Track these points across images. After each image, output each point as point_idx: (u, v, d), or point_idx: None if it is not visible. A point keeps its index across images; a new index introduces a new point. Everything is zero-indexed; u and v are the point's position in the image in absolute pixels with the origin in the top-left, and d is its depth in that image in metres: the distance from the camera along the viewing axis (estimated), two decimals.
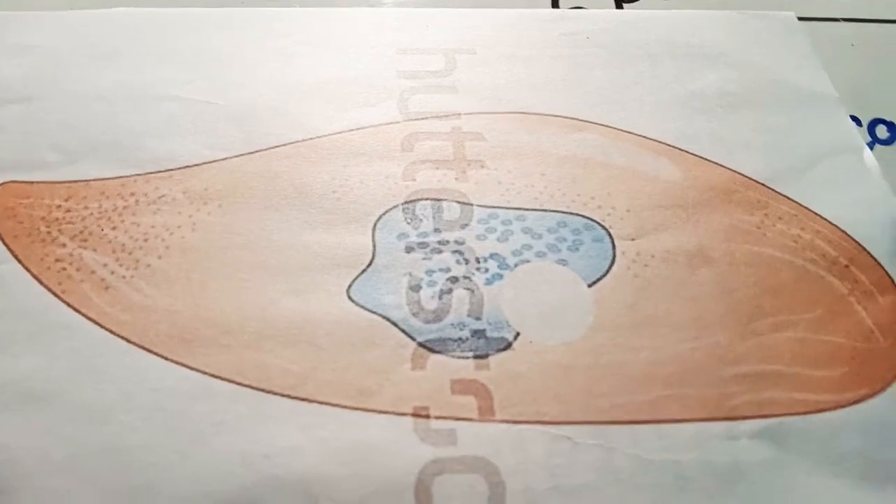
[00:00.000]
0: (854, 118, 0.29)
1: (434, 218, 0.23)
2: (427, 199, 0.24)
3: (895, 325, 0.22)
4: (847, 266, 0.23)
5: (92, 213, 0.23)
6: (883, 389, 0.20)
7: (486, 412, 0.19)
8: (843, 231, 0.24)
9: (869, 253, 0.24)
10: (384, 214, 0.23)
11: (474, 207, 0.24)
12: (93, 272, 0.22)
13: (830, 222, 0.25)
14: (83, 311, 0.21)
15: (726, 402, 0.20)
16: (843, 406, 0.20)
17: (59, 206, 0.23)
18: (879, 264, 0.23)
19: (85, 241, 0.22)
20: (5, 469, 0.18)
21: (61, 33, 0.28)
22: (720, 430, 0.19)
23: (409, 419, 0.19)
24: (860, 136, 0.28)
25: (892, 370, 0.21)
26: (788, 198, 0.25)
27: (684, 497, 0.18)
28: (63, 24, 0.28)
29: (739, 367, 0.21)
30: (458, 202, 0.24)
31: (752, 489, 0.18)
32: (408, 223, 0.23)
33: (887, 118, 0.30)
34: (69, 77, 0.26)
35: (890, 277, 0.23)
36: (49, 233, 0.22)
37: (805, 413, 0.20)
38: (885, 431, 0.19)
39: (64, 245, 0.22)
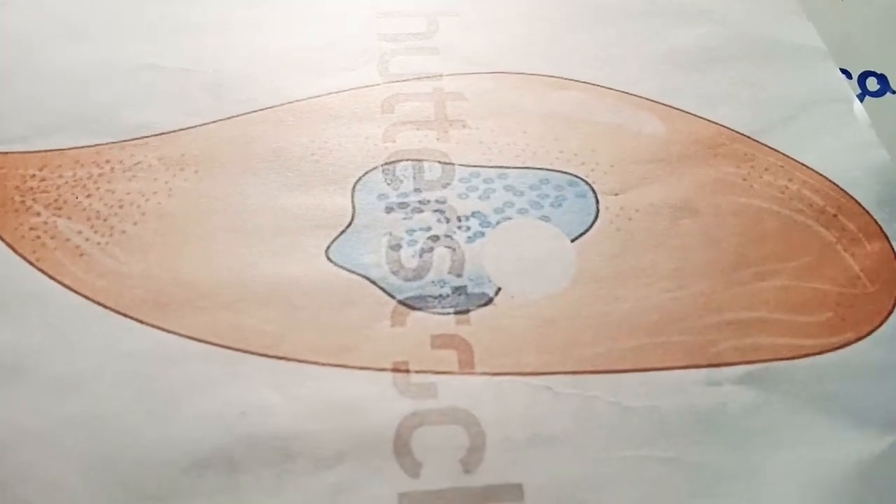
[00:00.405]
0: (844, 71, 0.28)
1: (415, 178, 0.23)
2: (407, 159, 0.24)
3: (882, 270, 0.21)
4: (835, 215, 0.23)
5: (66, 182, 0.23)
6: (869, 333, 0.20)
7: (467, 365, 0.19)
8: (830, 181, 0.24)
9: (856, 201, 0.23)
10: (364, 176, 0.23)
11: (455, 167, 0.24)
12: (67, 240, 0.21)
13: (818, 172, 0.24)
14: (58, 278, 0.21)
15: (710, 348, 0.20)
16: (827, 350, 0.20)
17: (34, 176, 0.23)
18: (866, 211, 0.23)
19: (59, 209, 0.22)
20: None
21: (23, 10, 0.27)
22: (702, 377, 0.19)
23: (389, 374, 0.19)
24: (849, 88, 0.27)
25: (879, 314, 0.20)
26: (775, 149, 0.25)
27: (666, 441, 0.18)
28: (27, 1, 0.28)
29: (723, 314, 0.20)
30: (440, 162, 0.24)
31: (735, 431, 0.18)
32: (388, 184, 0.23)
33: (877, 70, 0.29)
34: (36, 53, 0.26)
35: (877, 224, 0.23)
36: (23, 202, 0.22)
37: (789, 358, 0.19)
38: (871, 374, 0.19)
39: (38, 214, 0.22)
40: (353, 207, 0.22)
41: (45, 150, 0.23)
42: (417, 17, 0.28)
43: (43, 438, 0.18)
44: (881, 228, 0.23)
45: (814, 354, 0.19)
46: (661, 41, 0.28)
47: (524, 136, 0.25)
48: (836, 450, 0.18)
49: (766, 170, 0.24)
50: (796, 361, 0.19)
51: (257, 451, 0.18)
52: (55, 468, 0.17)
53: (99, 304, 0.20)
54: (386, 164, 0.24)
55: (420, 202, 0.23)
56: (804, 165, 0.24)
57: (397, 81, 0.26)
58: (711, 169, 0.24)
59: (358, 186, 0.23)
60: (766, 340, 0.20)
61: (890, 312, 0.20)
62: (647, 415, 0.18)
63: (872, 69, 0.29)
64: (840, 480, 0.17)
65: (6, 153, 0.23)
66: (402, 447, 0.18)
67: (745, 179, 0.24)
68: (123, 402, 0.18)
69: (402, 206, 0.23)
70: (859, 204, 0.23)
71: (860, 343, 0.20)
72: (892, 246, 0.22)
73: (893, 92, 0.28)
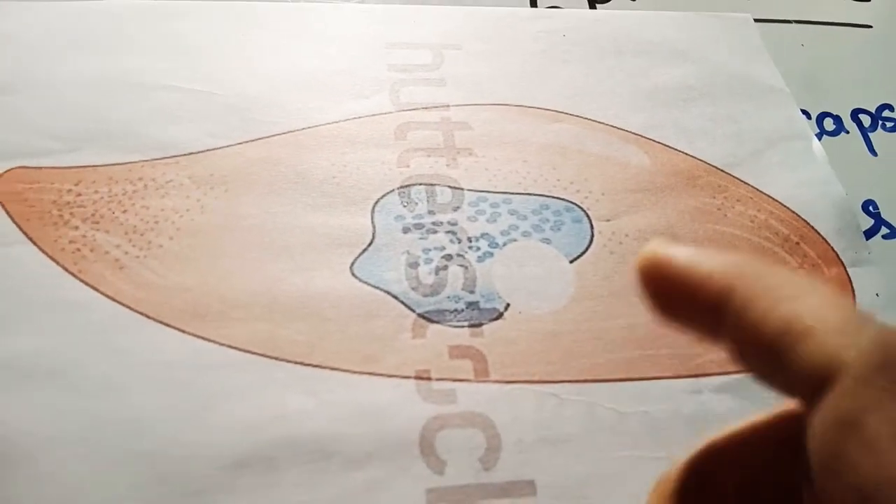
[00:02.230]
0: (804, 111, 0.31)
1: (428, 201, 0.25)
2: (421, 183, 0.26)
3: (839, 292, 0.25)
4: (798, 243, 0.26)
5: (102, 197, 0.24)
6: None
7: (482, 374, 0.21)
8: (793, 211, 0.27)
9: (816, 230, 0.26)
10: (381, 198, 0.25)
11: (465, 192, 0.26)
12: (106, 252, 0.23)
13: (782, 203, 0.27)
14: (99, 288, 0.22)
15: (692, 361, 0.22)
16: None
17: (70, 191, 0.24)
18: (825, 240, 0.26)
19: (97, 223, 0.23)
20: (22, 440, 0.19)
21: (40, 24, 0.28)
22: (687, 386, 0.22)
23: (412, 381, 0.21)
24: (809, 127, 0.30)
25: None
26: (745, 182, 0.28)
27: (656, 443, 0.20)
28: (42, 15, 0.29)
29: None
30: (450, 187, 0.26)
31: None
32: (404, 206, 0.25)
33: (834, 112, 0.32)
34: (57, 68, 0.27)
35: (834, 251, 0.26)
36: (61, 216, 0.24)
37: None
38: None
39: (76, 227, 0.23)
40: (374, 227, 0.24)
41: (79, 167, 0.25)
42: (423, 48, 0.30)
43: (86, 437, 0.19)
44: (838, 256, 0.26)
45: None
46: (646, 79, 0.31)
47: (525, 165, 0.27)
48: None
49: (737, 200, 0.27)
50: None
51: (294, 452, 0.19)
52: (98, 465, 0.19)
53: (140, 313, 0.22)
54: (401, 187, 0.26)
55: (434, 223, 0.25)
56: (770, 197, 0.28)
57: (408, 110, 0.28)
58: (691, 199, 0.27)
59: (377, 208, 0.25)
60: None
61: None
62: (640, 419, 0.21)
63: (829, 111, 0.32)
64: None
65: (39, 168, 0.25)
66: (427, 447, 0.20)
67: (719, 209, 0.27)
68: (164, 405, 0.20)
69: (418, 226, 0.25)
70: (819, 233, 0.26)
71: None
72: (847, 272, 0.25)
73: (847, 132, 0.32)
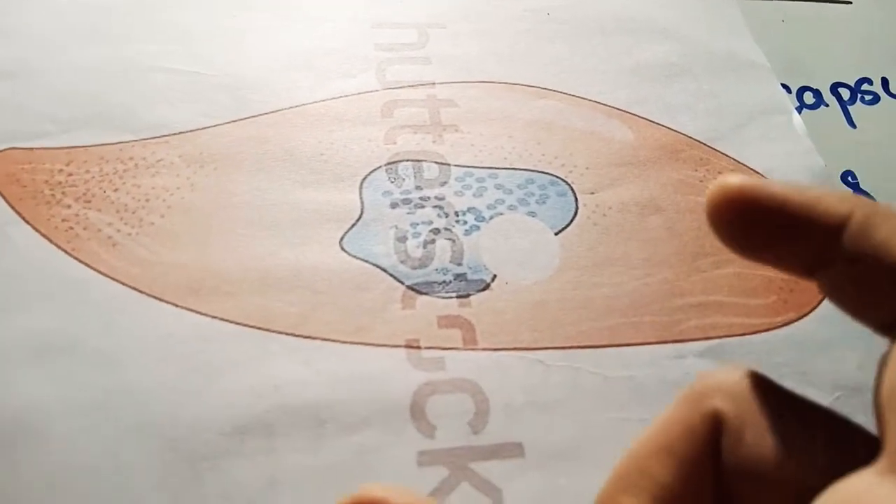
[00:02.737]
0: (784, 86, 0.32)
1: (415, 177, 0.26)
2: (408, 160, 0.26)
3: None
4: None
5: (94, 177, 0.24)
6: (808, 314, 0.24)
7: (470, 342, 0.22)
8: None
9: None
10: (369, 174, 0.26)
11: (451, 167, 0.26)
12: (99, 230, 0.23)
13: (763, 175, 0.28)
14: (94, 266, 0.22)
15: (675, 327, 0.23)
16: (775, 328, 0.23)
17: (61, 171, 0.24)
18: None
19: (89, 202, 0.24)
20: (32, 415, 0.20)
21: (44, 14, 0.29)
22: (670, 351, 0.22)
23: (403, 350, 0.22)
24: (789, 101, 0.31)
25: (815, 298, 0.24)
26: (727, 155, 0.28)
27: (641, 406, 0.21)
28: (46, 5, 0.29)
29: (686, 298, 0.24)
30: (437, 162, 0.26)
31: None
32: (391, 182, 0.26)
33: (813, 86, 0.33)
34: (55, 54, 0.27)
35: None
36: (53, 195, 0.24)
37: (743, 335, 0.23)
38: (812, 346, 0.23)
39: (69, 206, 0.24)
40: (362, 203, 0.25)
41: (70, 147, 0.25)
42: (409, 28, 0.31)
43: (92, 407, 0.20)
44: None
45: (763, 331, 0.23)
46: (629, 56, 0.31)
47: (510, 140, 0.28)
48: None
49: (719, 173, 0.28)
50: (749, 337, 0.23)
51: (292, 418, 0.20)
52: (109, 434, 0.19)
53: (135, 289, 0.22)
54: (389, 163, 0.26)
55: (421, 198, 0.25)
56: (752, 169, 0.28)
57: (394, 88, 0.28)
58: (673, 172, 0.28)
59: (364, 184, 0.25)
60: (723, 320, 0.23)
61: (823, 297, 0.24)
62: (625, 383, 0.22)
63: (809, 84, 0.33)
64: None
65: (31, 149, 0.25)
66: (417, 412, 0.20)
67: (701, 181, 0.27)
68: (167, 376, 0.20)
69: (406, 202, 0.25)
70: None
71: (801, 322, 0.23)
72: None
73: (827, 105, 0.32)
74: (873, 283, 0.10)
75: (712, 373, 0.11)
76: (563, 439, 0.20)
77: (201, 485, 0.19)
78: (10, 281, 0.22)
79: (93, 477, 0.19)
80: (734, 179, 0.11)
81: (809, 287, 0.24)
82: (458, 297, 0.23)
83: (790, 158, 0.28)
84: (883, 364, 0.10)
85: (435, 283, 0.23)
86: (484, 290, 0.23)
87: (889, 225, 0.10)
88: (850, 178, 0.30)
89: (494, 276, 0.24)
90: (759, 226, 0.11)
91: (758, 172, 0.28)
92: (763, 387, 0.11)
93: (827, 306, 0.24)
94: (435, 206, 0.25)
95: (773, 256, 0.11)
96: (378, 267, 0.23)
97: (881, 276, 0.10)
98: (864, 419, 0.11)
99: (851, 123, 0.32)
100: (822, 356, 0.23)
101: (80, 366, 0.21)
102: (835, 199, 0.10)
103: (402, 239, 0.24)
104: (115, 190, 0.24)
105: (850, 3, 0.37)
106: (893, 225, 0.10)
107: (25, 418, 0.20)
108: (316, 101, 0.27)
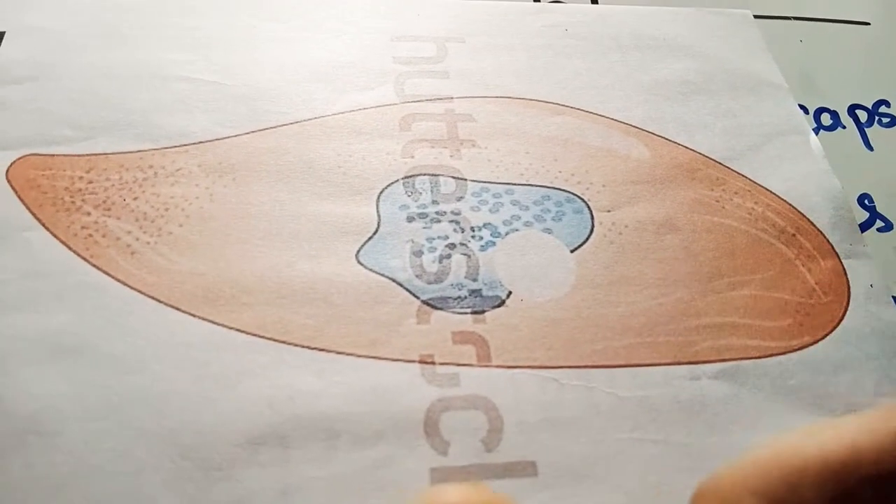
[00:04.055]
0: (802, 106, 0.32)
1: (432, 191, 0.26)
2: (425, 174, 0.26)
3: (834, 284, 0.25)
4: (794, 235, 0.27)
5: (113, 185, 0.25)
6: (823, 338, 0.24)
7: (484, 359, 0.22)
8: (790, 204, 0.28)
9: (812, 223, 0.27)
10: (386, 188, 0.26)
11: (468, 182, 0.26)
12: (118, 238, 0.23)
13: (779, 196, 0.28)
14: (112, 273, 0.23)
15: (690, 348, 0.23)
16: (790, 351, 0.23)
17: (81, 178, 0.25)
18: (821, 232, 0.27)
19: (108, 210, 0.24)
20: (46, 415, 0.20)
21: (64, 15, 0.29)
22: (685, 372, 0.22)
23: (417, 365, 0.22)
24: (807, 122, 0.31)
25: (831, 322, 0.24)
26: (743, 175, 0.28)
27: (655, 426, 0.21)
28: (66, 7, 0.29)
29: (701, 319, 0.24)
30: (454, 177, 0.26)
31: (714, 419, 0.21)
32: (408, 196, 0.26)
33: (831, 107, 0.33)
34: (74, 57, 0.28)
35: (830, 243, 0.26)
36: (73, 202, 0.24)
37: (758, 357, 0.23)
38: (827, 371, 0.23)
39: (88, 213, 0.24)
40: (379, 216, 0.25)
41: (90, 154, 0.25)
42: (428, 41, 0.31)
43: (105, 411, 0.20)
44: (833, 248, 0.26)
45: (778, 354, 0.23)
46: (646, 74, 0.31)
47: (527, 157, 0.28)
48: None
49: (735, 193, 0.28)
50: (763, 360, 0.23)
51: (305, 430, 0.20)
52: (122, 438, 0.20)
53: (152, 297, 0.22)
54: (406, 177, 0.26)
55: (438, 213, 0.25)
56: (768, 190, 0.28)
57: (412, 102, 0.29)
58: (690, 191, 0.28)
59: (381, 197, 0.26)
60: (738, 342, 0.23)
61: (840, 320, 0.24)
62: (639, 403, 0.22)
63: (826, 106, 0.33)
64: None
65: (53, 155, 0.25)
66: (431, 428, 0.20)
67: (717, 201, 0.27)
68: (181, 384, 0.21)
69: (422, 216, 0.25)
70: (815, 226, 0.27)
71: (817, 345, 0.23)
72: (842, 263, 0.26)
73: (844, 127, 0.32)
74: None
75: None
76: (576, 459, 0.20)
77: (213, 494, 0.19)
78: (27, 284, 0.22)
79: (104, 480, 0.19)
80: None
81: (826, 310, 0.24)
82: (472, 312, 0.23)
83: (807, 180, 0.28)
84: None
85: (450, 298, 0.23)
86: (499, 306, 0.23)
87: None
88: (866, 202, 0.30)
89: (510, 292, 0.24)
90: None
91: (774, 193, 0.28)
92: None
93: (843, 330, 0.24)
94: (451, 221, 0.25)
95: None
96: (394, 281, 0.23)
97: None
98: None
99: (868, 146, 0.32)
100: (837, 380, 0.23)
101: (94, 369, 0.21)
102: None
103: (418, 253, 0.24)
104: (135, 198, 0.24)
105: (869, 24, 0.37)
106: None
107: (39, 419, 0.20)
108: (335, 114, 0.28)
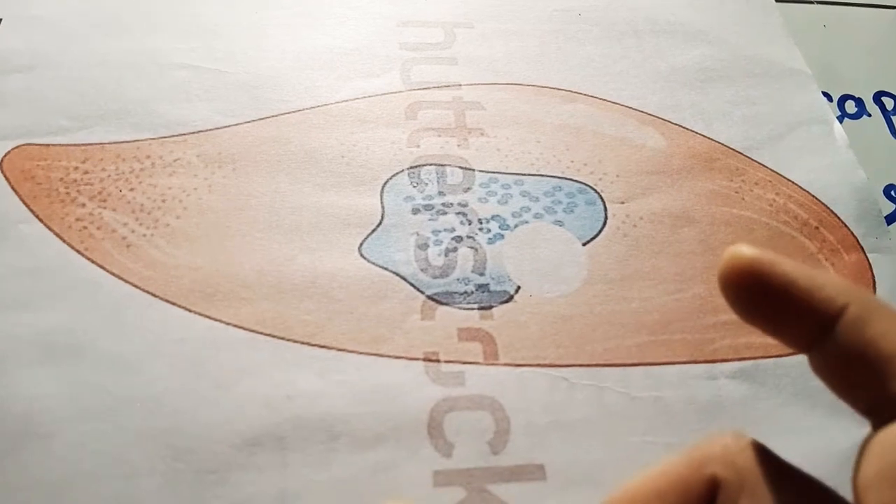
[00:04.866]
0: (825, 94, 0.31)
1: (438, 182, 0.25)
2: (431, 164, 0.25)
3: (858, 279, 0.24)
4: (817, 227, 0.26)
5: (109, 175, 0.24)
6: None
7: (491, 357, 0.21)
8: (812, 195, 0.26)
9: (836, 215, 0.26)
10: (391, 178, 0.25)
11: (476, 172, 0.25)
12: (113, 231, 0.23)
13: (802, 187, 0.27)
14: (107, 267, 0.22)
15: (707, 346, 0.22)
16: None
17: (77, 168, 0.24)
18: (845, 225, 0.25)
19: (104, 201, 0.23)
20: (40, 416, 0.19)
21: (62, 3, 0.28)
22: (701, 371, 0.21)
23: (421, 363, 0.21)
24: (830, 110, 0.30)
25: None
26: (764, 165, 0.27)
27: (669, 429, 0.20)
28: None
29: (718, 315, 0.23)
30: (461, 167, 0.25)
31: (731, 421, 0.20)
32: (413, 186, 0.25)
33: (856, 94, 0.32)
34: (72, 46, 0.27)
35: (854, 237, 0.25)
36: (68, 193, 0.23)
37: (778, 356, 0.22)
38: None
39: (83, 205, 0.23)
40: (383, 208, 0.24)
41: (86, 144, 0.25)
42: (435, 27, 0.30)
43: (101, 413, 0.19)
44: (858, 241, 0.25)
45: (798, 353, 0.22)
46: (662, 60, 0.30)
47: (538, 146, 0.27)
48: (820, 438, 0.20)
49: (755, 184, 0.27)
50: (783, 359, 0.22)
51: (304, 432, 0.19)
52: (117, 442, 0.19)
53: (148, 292, 0.22)
54: (411, 167, 0.25)
55: (444, 205, 0.24)
56: (790, 181, 0.27)
57: (419, 89, 0.28)
58: (707, 181, 0.26)
59: (386, 188, 0.25)
60: (758, 340, 0.22)
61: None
62: (653, 404, 0.21)
63: (851, 93, 0.32)
64: (825, 467, 0.20)
65: (48, 145, 0.24)
66: (435, 430, 0.20)
67: (737, 192, 0.26)
68: (177, 384, 0.20)
69: (428, 207, 0.24)
70: (839, 218, 0.26)
71: None
72: (867, 257, 0.25)
73: (869, 115, 0.31)
74: (858, 371, 0.11)
75: (716, 439, 0.12)
76: (586, 462, 0.19)
77: (207, 499, 0.18)
78: (20, 279, 0.21)
79: (98, 485, 0.18)
80: (747, 252, 0.12)
81: None
82: (479, 308, 0.22)
83: (831, 170, 0.27)
84: (863, 449, 0.11)
85: (456, 293, 0.22)
86: (507, 302, 0.22)
87: (881, 323, 0.11)
88: (892, 192, 0.28)
89: (518, 287, 0.23)
90: (763, 301, 0.12)
91: (796, 184, 0.27)
92: (764, 458, 0.12)
93: None
94: (458, 213, 0.24)
95: (773, 329, 0.12)
96: (398, 275, 0.23)
97: (866, 367, 0.11)
98: None
99: (895, 134, 0.30)
100: None
101: (88, 369, 0.20)
102: (836, 289, 0.11)
103: (424, 246, 0.23)
104: (131, 189, 0.24)
105: (895, 7, 0.35)
106: (885, 323, 0.11)
107: (33, 419, 0.19)
108: (338, 102, 0.27)
